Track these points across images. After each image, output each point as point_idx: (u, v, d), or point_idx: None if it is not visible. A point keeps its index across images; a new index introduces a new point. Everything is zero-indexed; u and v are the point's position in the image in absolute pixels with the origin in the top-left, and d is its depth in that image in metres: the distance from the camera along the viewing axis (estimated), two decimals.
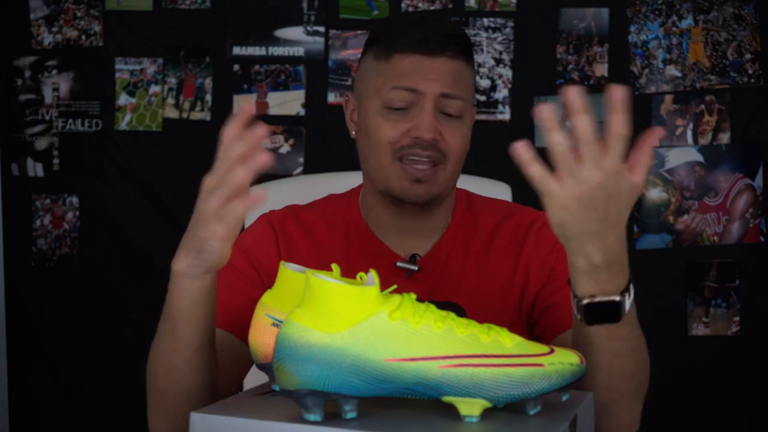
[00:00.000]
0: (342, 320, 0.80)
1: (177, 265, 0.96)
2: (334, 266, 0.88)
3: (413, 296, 0.84)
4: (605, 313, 0.93)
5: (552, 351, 0.84)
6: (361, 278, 0.85)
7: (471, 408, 0.82)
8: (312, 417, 0.80)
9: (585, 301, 0.92)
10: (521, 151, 0.83)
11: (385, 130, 1.20)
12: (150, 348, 1.05)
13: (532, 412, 0.83)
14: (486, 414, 0.82)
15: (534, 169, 0.84)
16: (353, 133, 1.28)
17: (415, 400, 0.85)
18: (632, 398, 1.04)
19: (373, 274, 0.83)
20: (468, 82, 1.24)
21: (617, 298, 0.92)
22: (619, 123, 0.82)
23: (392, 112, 1.19)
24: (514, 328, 0.91)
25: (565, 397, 0.86)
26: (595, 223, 0.86)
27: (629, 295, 0.93)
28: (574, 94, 0.81)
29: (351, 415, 0.81)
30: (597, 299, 0.92)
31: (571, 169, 0.83)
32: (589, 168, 0.83)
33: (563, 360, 0.84)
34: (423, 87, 1.18)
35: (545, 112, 0.82)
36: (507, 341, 0.83)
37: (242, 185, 0.88)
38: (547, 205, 0.86)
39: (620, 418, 1.04)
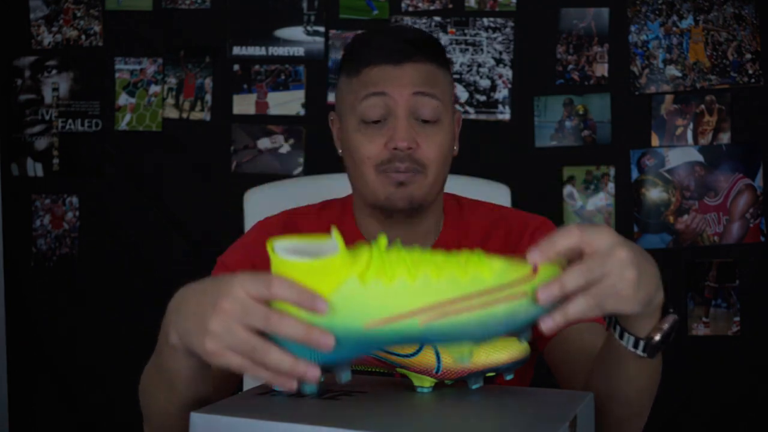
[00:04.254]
0: None
1: (172, 338, 0.86)
2: (333, 229, 0.82)
3: (382, 246, 0.81)
4: (669, 336, 0.91)
5: (535, 272, 0.81)
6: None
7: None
8: (309, 389, 0.85)
9: (657, 337, 0.90)
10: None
11: (364, 146, 1.21)
12: (144, 375, 1.00)
13: (474, 387, 0.87)
14: (489, 414, 0.82)
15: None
16: (340, 151, 1.29)
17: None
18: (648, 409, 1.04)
19: (336, 237, 0.79)
20: (443, 84, 1.23)
21: (675, 317, 0.91)
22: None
23: (368, 126, 1.21)
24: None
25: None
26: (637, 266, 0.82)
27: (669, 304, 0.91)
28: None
29: (346, 377, 0.84)
30: (665, 327, 0.90)
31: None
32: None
33: (546, 279, 0.80)
34: (392, 91, 1.19)
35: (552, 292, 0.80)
36: (486, 274, 0.80)
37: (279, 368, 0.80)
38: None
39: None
